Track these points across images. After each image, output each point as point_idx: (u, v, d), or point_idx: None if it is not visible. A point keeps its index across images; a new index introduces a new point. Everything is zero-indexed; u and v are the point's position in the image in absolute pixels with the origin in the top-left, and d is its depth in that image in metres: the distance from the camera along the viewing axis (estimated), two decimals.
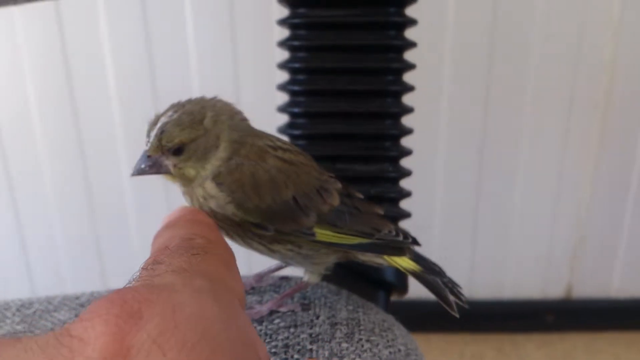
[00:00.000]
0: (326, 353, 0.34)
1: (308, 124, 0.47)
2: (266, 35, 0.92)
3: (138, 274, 0.24)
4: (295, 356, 0.34)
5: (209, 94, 0.36)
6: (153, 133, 0.34)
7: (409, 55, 0.47)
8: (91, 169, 1.06)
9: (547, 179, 1.09)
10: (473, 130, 1.05)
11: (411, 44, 0.47)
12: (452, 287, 0.39)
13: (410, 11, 0.47)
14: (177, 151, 0.34)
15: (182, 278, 0.22)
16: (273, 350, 0.35)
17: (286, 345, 0.35)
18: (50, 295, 0.43)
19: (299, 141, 0.48)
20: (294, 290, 0.39)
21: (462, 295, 0.39)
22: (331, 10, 0.46)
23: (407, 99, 0.48)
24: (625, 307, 1.19)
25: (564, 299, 1.19)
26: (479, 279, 1.17)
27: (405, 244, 0.39)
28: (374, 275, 0.46)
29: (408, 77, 0.48)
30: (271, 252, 0.37)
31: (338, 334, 0.36)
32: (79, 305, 0.41)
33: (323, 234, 0.36)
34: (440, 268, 0.40)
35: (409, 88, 0.47)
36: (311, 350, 0.34)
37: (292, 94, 0.48)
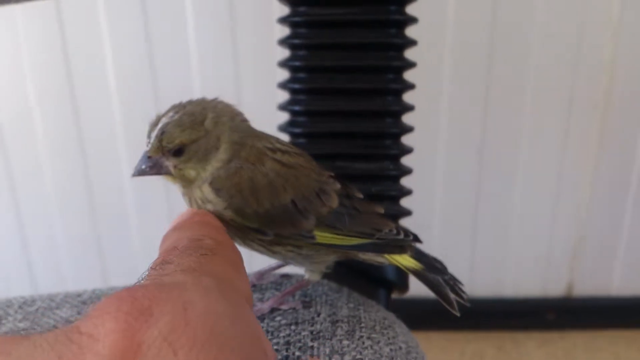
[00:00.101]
0: (327, 350, 0.34)
1: (309, 122, 0.47)
2: (267, 33, 0.92)
3: (147, 273, 0.24)
4: (297, 353, 0.34)
5: (209, 92, 0.36)
6: (154, 134, 0.34)
7: (409, 55, 0.47)
8: (92, 169, 1.06)
9: (546, 179, 1.09)
10: (473, 130, 1.05)
11: (412, 42, 0.47)
12: (454, 284, 0.39)
13: (411, 9, 0.47)
14: (178, 152, 0.34)
15: (192, 277, 0.22)
16: (274, 347, 0.35)
17: (287, 343, 0.35)
18: (52, 293, 0.43)
19: (300, 139, 0.48)
20: (295, 288, 0.39)
21: (464, 292, 0.39)
22: (332, 9, 0.46)
23: (407, 98, 0.48)
24: (625, 306, 1.19)
25: (564, 297, 1.19)
26: (478, 279, 1.17)
27: (406, 242, 0.39)
28: (374, 273, 0.46)
29: (408, 76, 0.48)
30: (272, 253, 0.37)
31: (339, 332, 0.36)
32: (81, 302, 0.41)
33: (323, 236, 0.36)
34: (442, 264, 0.40)
35: (410, 86, 0.47)
36: (312, 347, 0.35)
37: (293, 92, 0.48)
